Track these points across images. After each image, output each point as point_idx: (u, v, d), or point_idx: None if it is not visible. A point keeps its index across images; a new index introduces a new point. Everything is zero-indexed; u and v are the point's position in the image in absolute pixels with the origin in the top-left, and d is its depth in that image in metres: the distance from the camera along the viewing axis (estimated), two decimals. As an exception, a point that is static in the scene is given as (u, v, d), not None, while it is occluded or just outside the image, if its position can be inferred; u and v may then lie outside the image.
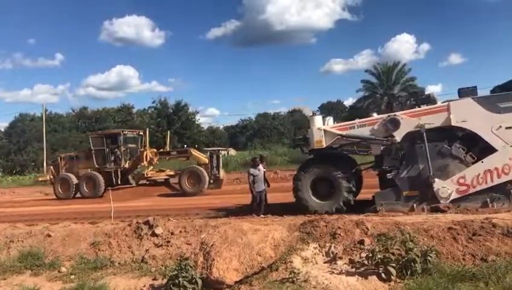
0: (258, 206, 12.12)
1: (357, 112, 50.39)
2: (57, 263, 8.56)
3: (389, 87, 52.51)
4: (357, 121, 11.67)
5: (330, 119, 12.10)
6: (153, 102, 65.70)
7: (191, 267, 6.77)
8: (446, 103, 10.78)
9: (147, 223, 9.14)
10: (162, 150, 24.93)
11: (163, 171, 24.63)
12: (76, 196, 23.17)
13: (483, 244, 6.54)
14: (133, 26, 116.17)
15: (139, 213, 14.03)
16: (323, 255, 7.29)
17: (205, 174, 21.61)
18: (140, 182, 24.35)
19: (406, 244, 6.32)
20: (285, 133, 68.49)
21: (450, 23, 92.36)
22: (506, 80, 11.25)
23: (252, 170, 12.37)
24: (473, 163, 10.23)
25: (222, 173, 22.18)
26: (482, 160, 10.13)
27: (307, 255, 7.26)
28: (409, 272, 6.11)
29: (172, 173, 24.20)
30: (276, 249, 7.60)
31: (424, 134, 10.46)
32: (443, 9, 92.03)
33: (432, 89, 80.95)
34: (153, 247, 8.58)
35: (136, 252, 8.57)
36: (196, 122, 65.98)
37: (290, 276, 6.51)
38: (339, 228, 7.59)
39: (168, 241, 8.57)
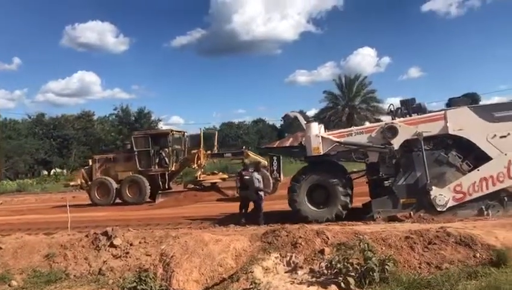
0: (258, 215, 12.00)
1: (319, 122, 51.26)
2: (7, 277, 8.15)
3: (350, 99, 53.81)
4: (354, 128, 11.84)
5: (322, 127, 12.09)
6: (115, 109, 64.54)
7: (150, 279, 6.63)
8: (443, 112, 10.88)
9: (105, 233, 8.87)
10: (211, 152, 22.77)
11: (215, 174, 23.12)
12: (116, 201, 21.54)
13: (438, 253, 6.73)
14: (96, 32, 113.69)
15: (98, 223, 13.62)
16: (284, 265, 7.30)
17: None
18: (189, 186, 22.49)
19: (364, 254, 6.41)
20: (249, 142, 68.69)
21: (410, 38, 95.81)
22: (461, 93, 11.76)
23: (257, 175, 12.26)
24: (469, 171, 10.40)
25: (282, 176, 20.30)
26: (478, 168, 10.33)
27: (268, 265, 7.25)
28: (367, 281, 6.20)
29: (225, 176, 22.79)
30: (237, 260, 7.56)
31: (422, 142, 10.58)
32: (404, 24, 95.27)
33: (391, 101, 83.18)
34: (111, 258, 8.33)
35: (93, 264, 8.29)
36: (159, 131, 65.02)
37: (251, 287, 6.46)
38: (300, 237, 7.63)
39: (127, 253, 8.35)
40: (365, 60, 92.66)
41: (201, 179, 21.92)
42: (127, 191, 21.43)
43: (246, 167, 13.35)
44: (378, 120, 50.25)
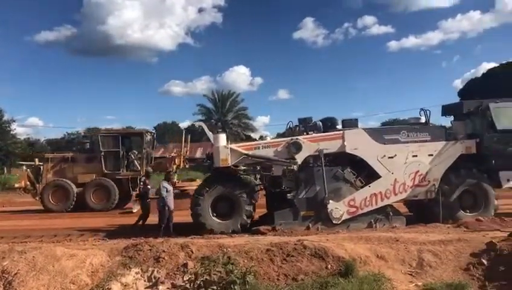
0: (168, 226, 11.34)
1: (192, 134, 51.25)
2: None
3: (223, 114, 54.95)
4: (262, 141, 12.19)
5: (224, 136, 12.00)
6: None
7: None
8: (341, 132, 11.73)
9: None
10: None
11: (193, 180, 19.64)
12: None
13: (295, 265, 7.10)
14: None
15: None
16: (145, 281, 7.00)
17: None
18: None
19: (227, 267, 6.47)
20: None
21: (281, 61, 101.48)
22: (322, 116, 12.88)
23: (165, 184, 11.57)
24: (361, 187, 11.31)
25: None
26: (369, 185, 11.32)
27: (128, 280, 6.88)
28: (228, 294, 6.26)
29: None
30: (93, 276, 7.02)
31: (322, 158, 11.22)
32: (276, 48, 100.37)
33: (261, 120, 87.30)
34: None
35: None
36: (12, 132, 58.24)
37: (107, 304, 6.06)
38: (164, 251, 7.41)
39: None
40: (240, 77, 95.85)
41: (179, 185, 19.35)
42: (91, 196, 18.97)
43: (149, 174, 12.73)
44: (249, 137, 52.41)
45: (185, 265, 7.12)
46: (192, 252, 7.49)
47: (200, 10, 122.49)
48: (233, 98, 55.66)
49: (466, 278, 6.89)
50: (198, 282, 6.35)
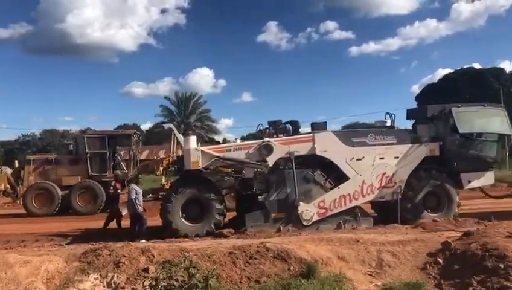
0: (140, 230, 11.01)
1: (154, 136, 50.55)
2: None
3: (186, 116, 54.44)
4: (233, 144, 12.20)
5: (194, 138, 11.86)
6: None
7: None
8: (312, 134, 11.81)
9: None
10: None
11: None
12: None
13: (257, 267, 7.07)
14: None
15: None
16: (104, 286, 6.78)
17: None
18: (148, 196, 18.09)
19: (189, 271, 6.37)
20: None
21: (245, 64, 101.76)
22: (289, 119, 13.20)
23: (135, 187, 11.24)
24: (331, 189, 11.43)
25: None
26: (339, 186, 11.46)
27: (86, 287, 6.64)
28: (191, 298, 6.17)
29: None
30: (49, 283, 6.75)
31: (293, 161, 11.27)
32: (240, 51, 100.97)
33: (225, 122, 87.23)
34: None
35: None
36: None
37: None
38: (124, 256, 7.20)
39: None
40: (203, 79, 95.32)
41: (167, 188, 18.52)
42: (77, 199, 18.29)
43: (118, 178, 12.41)
44: (212, 139, 52.15)
45: (146, 270, 6.94)
46: (153, 256, 7.33)
47: (163, 11, 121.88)
48: (196, 100, 55.25)
49: (423, 277, 7.07)
50: (159, 287, 6.21)
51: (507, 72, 46.10)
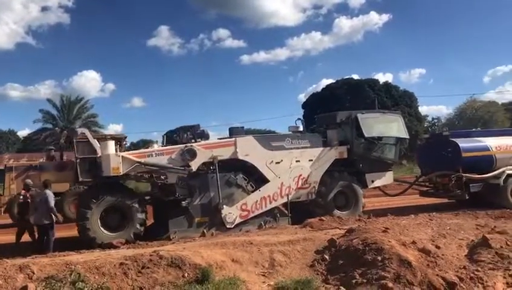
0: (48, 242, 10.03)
1: (32, 144, 46.29)
2: None
3: (70, 122, 50.76)
4: (155, 149, 11.81)
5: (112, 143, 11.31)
6: None
7: None
8: (234, 139, 11.97)
9: None
10: None
11: None
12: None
13: (150, 276, 6.84)
14: None
15: None
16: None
17: None
18: None
19: (76, 285, 5.99)
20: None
21: (135, 68, 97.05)
22: (182, 124, 13.43)
23: (51, 193, 10.21)
24: (252, 191, 11.73)
25: None
26: (259, 189, 11.82)
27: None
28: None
29: None
30: None
31: (216, 165, 11.32)
32: (130, 54, 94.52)
33: (113, 128, 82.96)
34: None
35: None
36: None
37: None
38: (-2, 275, 6.50)
39: None
40: (90, 83, 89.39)
41: None
42: (69, 207, 16.86)
43: (28, 187, 10.78)
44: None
45: (25, 288, 6.33)
46: (33, 273, 6.68)
47: (44, 9, 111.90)
48: (82, 104, 51.59)
49: (312, 273, 7.43)
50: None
51: (381, 82, 50.83)
